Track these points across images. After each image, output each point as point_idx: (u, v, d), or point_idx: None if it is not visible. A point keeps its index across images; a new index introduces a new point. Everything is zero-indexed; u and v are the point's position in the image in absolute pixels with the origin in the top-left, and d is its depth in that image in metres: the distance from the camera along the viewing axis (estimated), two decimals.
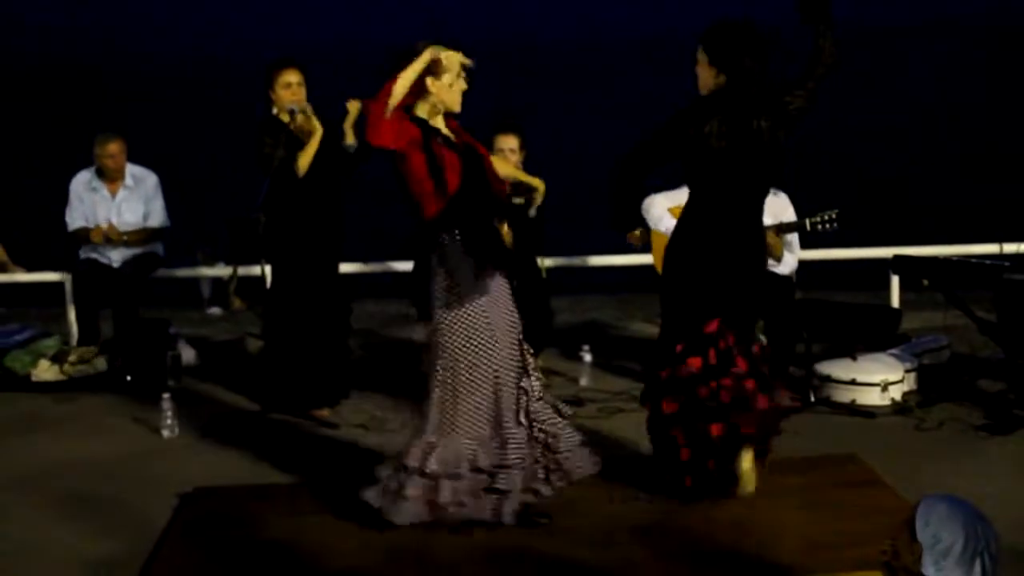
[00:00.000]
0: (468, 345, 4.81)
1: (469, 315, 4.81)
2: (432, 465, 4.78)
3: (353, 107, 6.45)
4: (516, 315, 4.99)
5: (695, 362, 5.01)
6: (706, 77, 5.06)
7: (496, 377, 4.85)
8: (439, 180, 4.79)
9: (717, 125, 4.93)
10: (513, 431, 4.84)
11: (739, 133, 4.95)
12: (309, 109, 6.51)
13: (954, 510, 3.17)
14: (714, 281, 5.06)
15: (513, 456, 4.81)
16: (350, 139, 6.50)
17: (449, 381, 4.83)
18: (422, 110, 4.90)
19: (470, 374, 4.82)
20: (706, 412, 4.97)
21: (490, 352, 4.83)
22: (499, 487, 4.81)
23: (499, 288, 4.93)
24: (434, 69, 4.86)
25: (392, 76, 4.79)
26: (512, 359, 4.90)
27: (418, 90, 4.86)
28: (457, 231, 4.83)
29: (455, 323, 4.82)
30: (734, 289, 5.09)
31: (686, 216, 5.19)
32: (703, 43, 5.06)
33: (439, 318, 4.84)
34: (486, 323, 4.83)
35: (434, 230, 4.83)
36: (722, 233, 5.06)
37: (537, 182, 5.77)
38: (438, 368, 4.84)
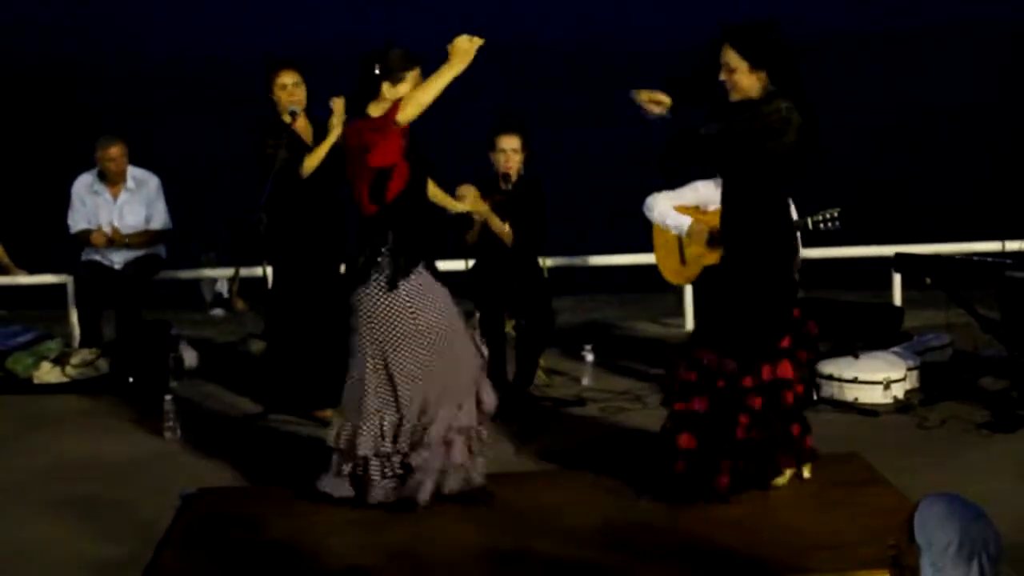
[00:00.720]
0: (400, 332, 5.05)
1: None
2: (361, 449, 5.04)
3: (338, 105, 6.44)
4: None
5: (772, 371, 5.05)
6: (750, 82, 4.88)
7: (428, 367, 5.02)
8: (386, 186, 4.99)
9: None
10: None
11: (809, 132, 4.88)
12: (299, 110, 6.51)
13: (951, 510, 3.16)
14: (790, 291, 5.15)
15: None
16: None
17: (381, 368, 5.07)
18: (373, 111, 5.02)
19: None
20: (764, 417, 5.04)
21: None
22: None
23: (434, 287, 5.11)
24: (393, 77, 4.98)
25: (375, 83, 4.93)
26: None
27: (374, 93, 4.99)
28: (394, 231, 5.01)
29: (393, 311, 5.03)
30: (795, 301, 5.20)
31: (760, 223, 5.03)
32: (739, 48, 4.87)
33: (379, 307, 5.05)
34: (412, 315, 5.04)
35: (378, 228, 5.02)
36: (792, 240, 5.16)
37: (506, 232, 6.48)
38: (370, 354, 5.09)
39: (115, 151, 7.85)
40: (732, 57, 4.88)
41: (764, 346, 5.02)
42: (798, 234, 5.62)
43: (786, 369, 5.06)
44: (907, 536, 3.18)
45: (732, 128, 4.88)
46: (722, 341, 5.01)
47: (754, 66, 4.87)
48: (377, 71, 5.01)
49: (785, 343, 5.06)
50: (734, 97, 4.94)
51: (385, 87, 4.97)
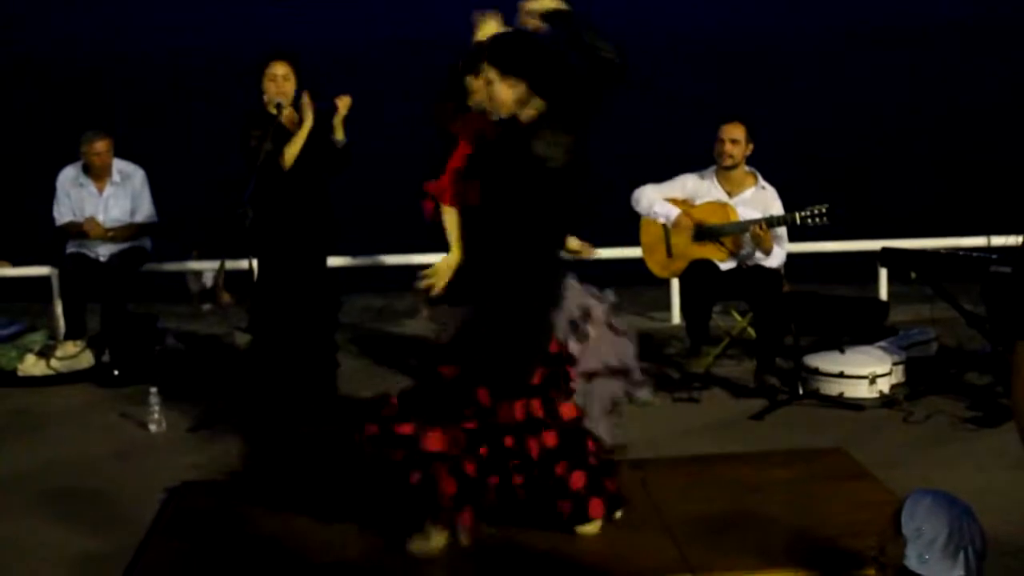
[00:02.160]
0: None
1: None
2: None
3: (343, 103, 6.46)
4: None
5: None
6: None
7: None
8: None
9: None
10: None
11: None
12: (286, 103, 6.50)
13: (939, 504, 3.18)
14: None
15: None
16: (339, 135, 6.51)
17: None
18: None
19: None
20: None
21: None
22: None
23: None
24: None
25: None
26: None
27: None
28: None
29: None
30: None
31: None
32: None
33: None
34: None
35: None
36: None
37: None
38: None
39: (100, 146, 7.83)
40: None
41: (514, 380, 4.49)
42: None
43: (536, 408, 4.50)
44: (893, 529, 3.19)
45: None
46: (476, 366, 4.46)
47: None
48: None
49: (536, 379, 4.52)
50: None
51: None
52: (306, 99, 6.45)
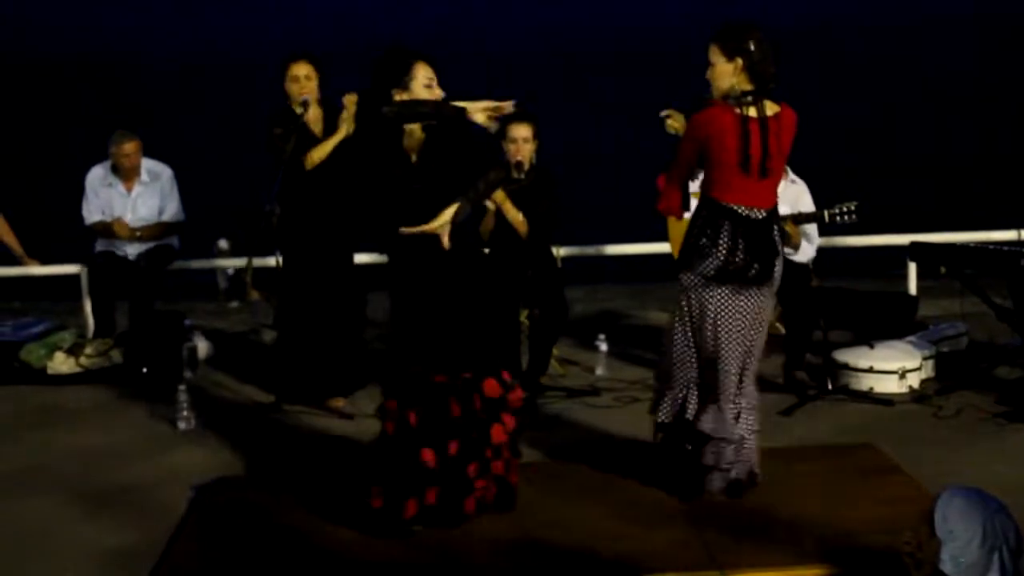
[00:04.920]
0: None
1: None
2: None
3: (350, 101, 6.45)
4: None
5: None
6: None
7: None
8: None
9: None
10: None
11: None
12: (312, 100, 6.51)
13: (971, 504, 3.14)
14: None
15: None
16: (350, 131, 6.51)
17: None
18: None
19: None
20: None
21: None
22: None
23: None
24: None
25: None
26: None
27: None
28: None
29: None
30: None
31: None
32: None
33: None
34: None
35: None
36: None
37: (520, 221, 6.52)
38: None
39: (129, 148, 7.85)
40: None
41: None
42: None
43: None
44: (928, 529, 3.16)
45: None
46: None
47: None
48: None
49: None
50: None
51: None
52: (349, 107, 6.42)
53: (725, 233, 4.84)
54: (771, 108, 4.86)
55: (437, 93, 4.81)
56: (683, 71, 6.60)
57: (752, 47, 4.81)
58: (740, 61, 4.82)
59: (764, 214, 4.88)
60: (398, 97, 4.74)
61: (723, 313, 4.89)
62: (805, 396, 6.52)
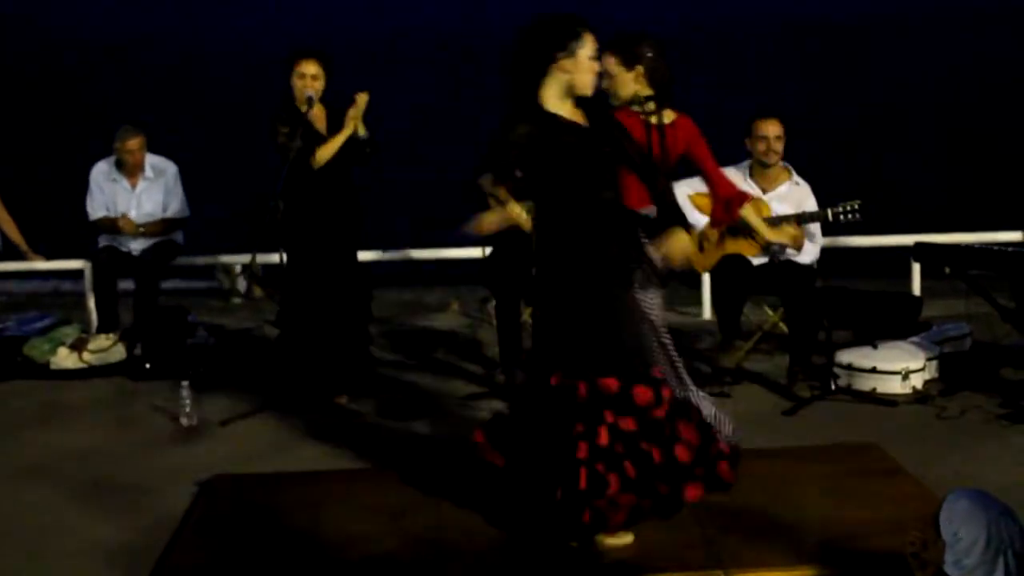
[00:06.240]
0: None
1: None
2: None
3: (361, 99, 6.45)
4: None
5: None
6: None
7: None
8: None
9: None
10: None
11: None
12: (316, 97, 6.51)
13: (976, 507, 3.14)
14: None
15: None
16: (361, 130, 6.51)
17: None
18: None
19: None
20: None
21: None
22: None
23: None
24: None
25: None
26: None
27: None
28: None
29: None
30: None
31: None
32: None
33: None
34: None
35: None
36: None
37: (524, 218, 5.42)
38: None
39: (133, 143, 7.86)
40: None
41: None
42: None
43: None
44: (933, 531, 3.16)
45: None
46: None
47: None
48: None
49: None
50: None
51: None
52: (357, 105, 6.45)
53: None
54: (668, 116, 5.05)
55: (597, 68, 4.53)
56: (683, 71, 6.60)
57: (649, 54, 5.05)
58: (640, 68, 5.06)
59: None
60: (563, 62, 4.42)
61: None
62: (808, 396, 6.51)
